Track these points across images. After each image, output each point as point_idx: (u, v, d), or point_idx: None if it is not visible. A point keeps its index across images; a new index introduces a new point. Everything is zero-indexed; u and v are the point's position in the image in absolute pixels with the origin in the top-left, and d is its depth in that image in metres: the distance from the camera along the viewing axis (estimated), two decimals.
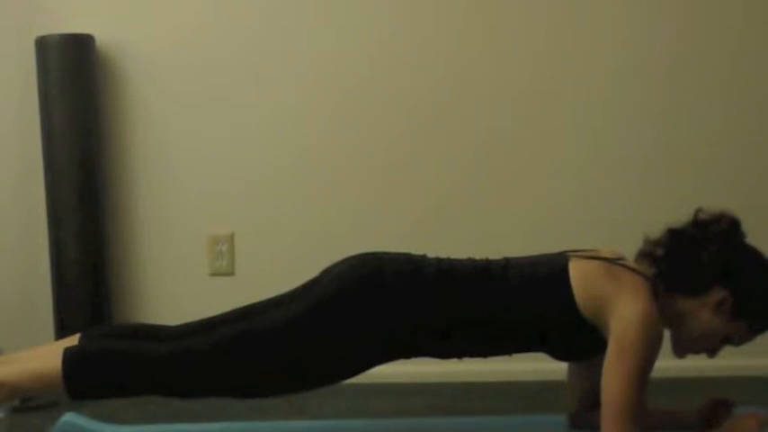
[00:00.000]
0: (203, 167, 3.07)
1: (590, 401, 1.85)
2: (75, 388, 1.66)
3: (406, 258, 1.76)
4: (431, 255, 1.80)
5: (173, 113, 3.07)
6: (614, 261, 1.72)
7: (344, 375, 1.76)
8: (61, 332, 2.91)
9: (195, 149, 3.07)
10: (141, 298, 3.09)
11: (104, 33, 3.00)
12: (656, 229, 1.77)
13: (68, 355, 1.67)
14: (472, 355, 1.78)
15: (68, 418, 1.99)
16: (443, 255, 1.81)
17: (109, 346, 1.71)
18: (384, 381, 2.84)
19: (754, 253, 1.73)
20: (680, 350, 1.76)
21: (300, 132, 3.06)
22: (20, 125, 3.06)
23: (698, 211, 1.75)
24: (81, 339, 1.75)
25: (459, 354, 1.77)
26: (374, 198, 3.06)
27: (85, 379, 1.67)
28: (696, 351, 1.77)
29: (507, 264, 1.75)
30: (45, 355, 1.71)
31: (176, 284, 3.05)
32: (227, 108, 3.06)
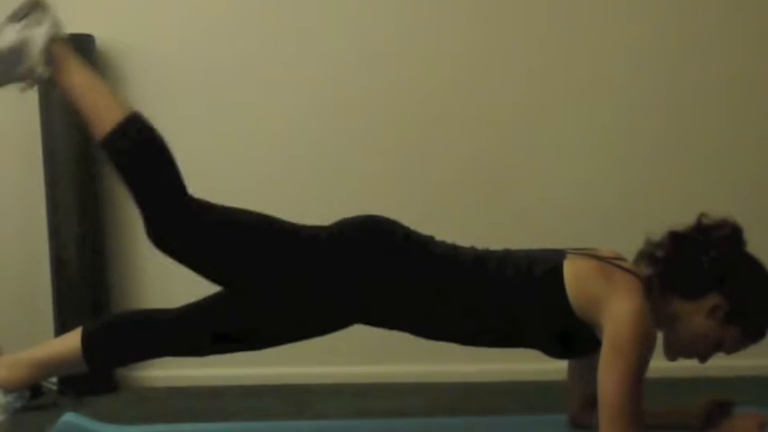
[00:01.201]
0: (203, 166, 3.06)
1: (590, 401, 1.85)
2: (95, 355, 1.72)
3: (416, 234, 1.79)
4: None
5: (172, 113, 3.06)
6: (610, 260, 1.72)
7: (328, 323, 1.76)
8: (61, 332, 2.90)
9: (195, 148, 3.06)
10: (141, 298, 3.09)
11: (104, 33, 3.00)
12: (658, 228, 1.77)
13: (87, 326, 1.74)
14: (460, 342, 1.79)
15: (68, 418, 1.99)
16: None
17: (123, 314, 1.73)
18: (384, 381, 2.85)
19: (753, 262, 1.73)
20: (671, 353, 1.76)
21: (300, 133, 3.06)
22: (20, 125, 3.06)
23: (701, 215, 1.75)
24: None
25: (443, 337, 1.78)
26: (374, 197, 3.05)
27: (104, 344, 1.73)
28: (687, 355, 1.77)
29: (506, 257, 1.76)
30: (64, 337, 1.78)
31: (176, 284, 3.04)
32: (227, 107, 3.06)
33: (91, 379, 2.72)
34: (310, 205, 3.05)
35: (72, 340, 1.74)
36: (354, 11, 3.04)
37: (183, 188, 1.72)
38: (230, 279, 1.75)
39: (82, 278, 2.93)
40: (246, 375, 2.88)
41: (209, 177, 3.07)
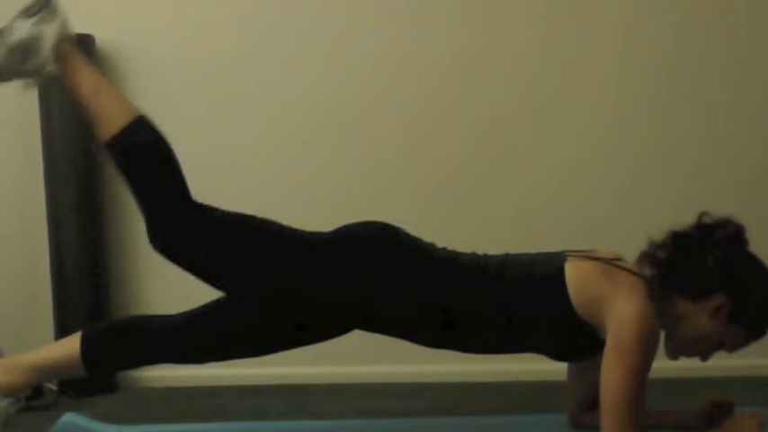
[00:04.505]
0: (203, 167, 3.06)
1: (590, 401, 1.85)
2: (93, 359, 1.72)
3: (418, 241, 1.79)
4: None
5: (172, 113, 3.05)
6: (611, 261, 1.72)
7: (328, 330, 1.76)
8: (61, 332, 2.91)
9: (195, 149, 3.06)
10: (141, 299, 3.09)
11: (104, 33, 3.00)
12: (657, 229, 1.77)
13: (86, 331, 1.74)
14: (462, 349, 1.79)
15: (68, 418, 1.99)
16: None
17: (123, 320, 1.74)
18: (384, 381, 2.85)
19: (756, 261, 1.73)
20: (673, 352, 1.76)
21: (300, 132, 3.06)
22: (20, 125, 3.06)
23: (702, 214, 1.75)
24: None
25: (445, 345, 1.78)
26: (375, 198, 3.06)
27: (103, 348, 1.73)
28: (690, 354, 1.77)
29: (506, 261, 1.76)
30: (63, 341, 1.77)
31: (176, 285, 3.04)
32: (227, 107, 3.06)
33: (91, 379, 2.71)
34: (310, 205, 3.06)
35: (71, 344, 1.73)
36: (355, 12, 3.04)
37: (185, 192, 1.72)
38: (231, 284, 1.75)
39: (82, 279, 2.93)
40: (246, 375, 2.88)
41: (209, 177, 3.07)
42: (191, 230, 1.70)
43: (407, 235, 1.79)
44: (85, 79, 1.71)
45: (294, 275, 1.69)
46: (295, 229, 1.76)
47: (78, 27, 2.91)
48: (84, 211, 2.93)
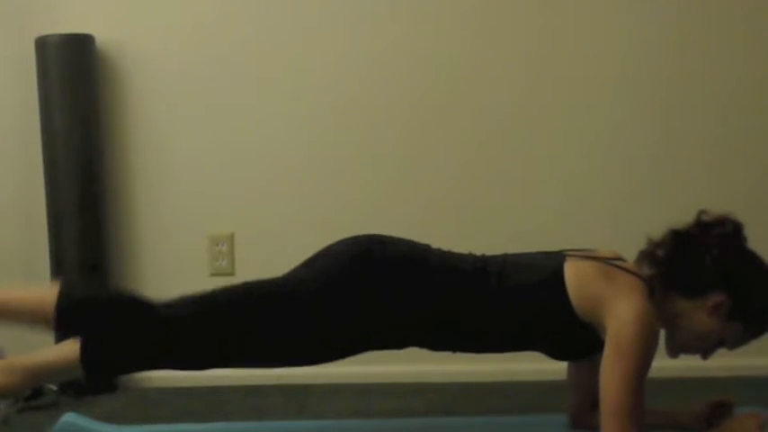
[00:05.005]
0: (203, 167, 3.07)
1: (590, 401, 1.85)
2: (93, 362, 1.70)
3: (411, 244, 1.78)
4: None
5: (173, 113, 3.07)
6: (610, 261, 1.72)
7: (335, 355, 1.77)
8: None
9: (195, 149, 3.07)
10: None
11: (104, 33, 3.00)
12: (657, 231, 1.77)
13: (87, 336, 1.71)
14: (465, 350, 1.79)
15: (68, 418, 1.99)
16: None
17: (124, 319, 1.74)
18: (384, 381, 2.85)
19: (754, 258, 1.73)
20: (673, 351, 1.76)
21: (300, 133, 3.06)
22: (20, 125, 3.06)
23: (701, 212, 1.76)
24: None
25: (451, 347, 1.78)
26: (374, 197, 3.06)
27: (103, 349, 1.71)
28: (690, 352, 1.77)
29: (504, 262, 1.76)
30: (62, 343, 1.76)
31: (176, 284, 3.02)
32: (227, 108, 3.06)
33: (91, 379, 2.71)
34: (310, 204, 3.06)
35: (70, 346, 1.72)
36: (358, 13, 3.04)
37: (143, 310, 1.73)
38: (254, 365, 1.83)
39: (81, 279, 2.92)
40: (246, 375, 2.86)
41: (209, 178, 3.08)
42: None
43: (395, 245, 1.77)
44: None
45: (304, 337, 1.69)
46: (276, 286, 1.74)
47: (78, 27, 2.96)
48: (84, 212, 2.93)
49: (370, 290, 1.69)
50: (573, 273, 1.69)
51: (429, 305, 1.70)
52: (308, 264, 1.80)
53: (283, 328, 1.68)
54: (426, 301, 1.70)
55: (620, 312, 1.62)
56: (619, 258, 1.75)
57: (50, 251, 2.95)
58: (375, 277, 1.70)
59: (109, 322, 1.71)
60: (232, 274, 3.04)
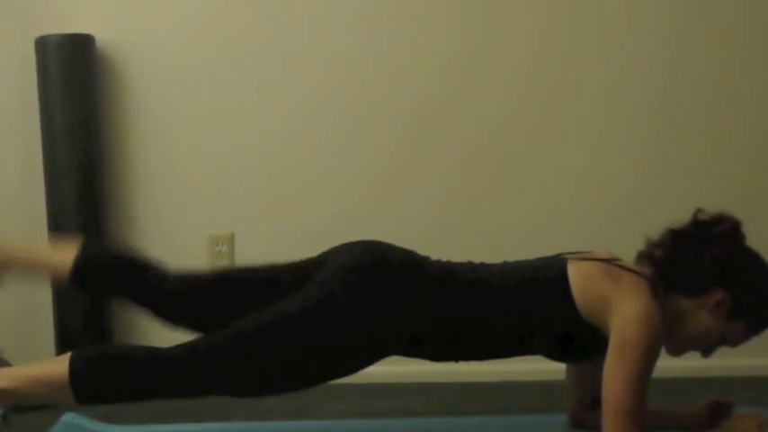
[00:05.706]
0: (203, 168, 3.07)
1: (590, 401, 1.85)
2: (83, 389, 1.62)
3: (411, 256, 1.77)
4: (433, 257, 1.80)
5: (173, 113, 3.07)
6: (611, 262, 1.72)
7: (339, 373, 1.76)
8: (61, 333, 2.91)
9: (195, 149, 3.07)
10: None
11: (104, 33, 3.00)
12: (658, 231, 1.77)
13: (76, 355, 1.64)
14: (468, 359, 1.78)
15: (68, 418, 1.99)
16: (445, 256, 1.82)
17: (118, 348, 1.72)
18: (384, 381, 2.84)
19: (754, 255, 1.73)
20: (675, 349, 1.76)
21: (300, 133, 3.06)
22: (20, 125, 3.06)
23: (697, 211, 1.76)
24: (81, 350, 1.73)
25: (455, 357, 1.77)
26: (374, 198, 3.06)
27: (93, 379, 1.63)
28: (691, 350, 1.77)
29: (505, 269, 1.75)
30: (50, 361, 1.70)
31: None
32: (227, 108, 3.06)
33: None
34: (311, 204, 3.06)
35: (60, 364, 1.63)
36: (356, 15, 3.04)
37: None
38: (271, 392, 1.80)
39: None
40: None
41: (209, 178, 3.08)
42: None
43: (394, 253, 1.76)
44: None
45: (314, 356, 1.69)
46: (272, 311, 1.71)
47: (78, 27, 2.96)
48: (84, 212, 2.93)
49: (371, 306, 1.68)
50: (577, 275, 1.69)
51: (428, 315, 1.69)
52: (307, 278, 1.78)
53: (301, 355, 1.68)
54: (425, 312, 1.69)
55: (625, 311, 1.61)
56: (616, 259, 1.75)
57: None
58: (375, 294, 1.68)
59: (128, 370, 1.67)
60: None
